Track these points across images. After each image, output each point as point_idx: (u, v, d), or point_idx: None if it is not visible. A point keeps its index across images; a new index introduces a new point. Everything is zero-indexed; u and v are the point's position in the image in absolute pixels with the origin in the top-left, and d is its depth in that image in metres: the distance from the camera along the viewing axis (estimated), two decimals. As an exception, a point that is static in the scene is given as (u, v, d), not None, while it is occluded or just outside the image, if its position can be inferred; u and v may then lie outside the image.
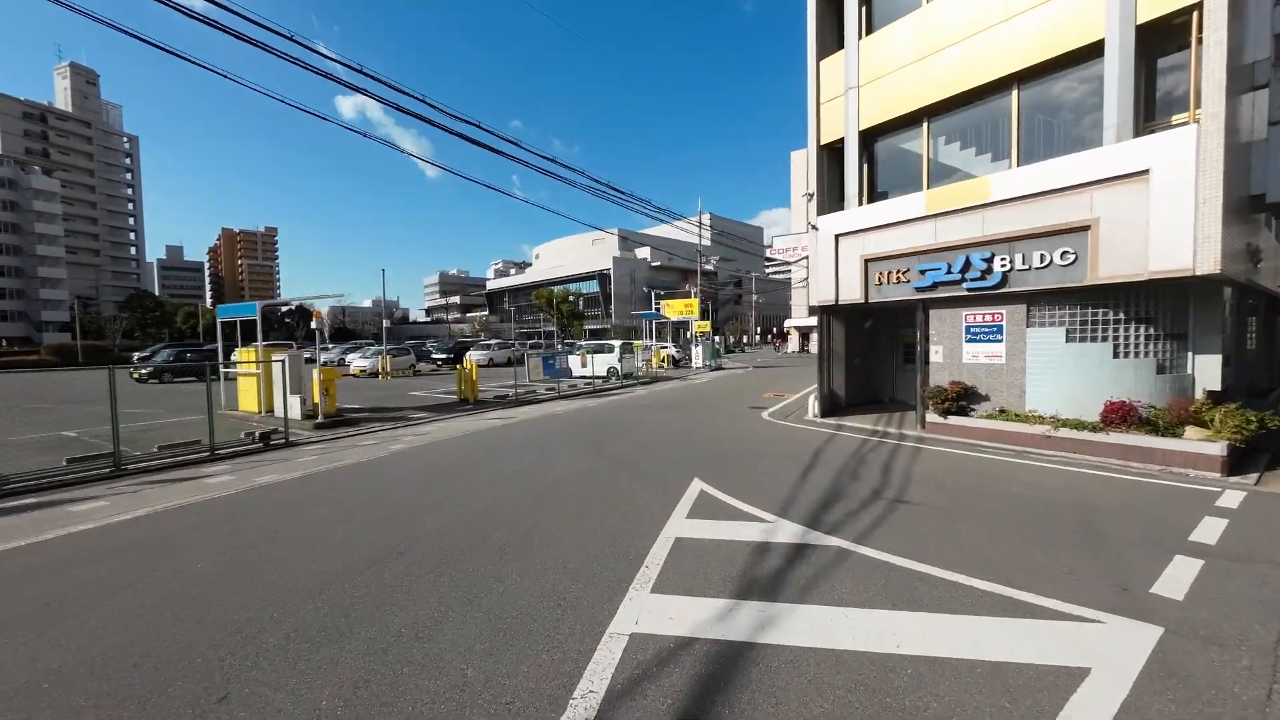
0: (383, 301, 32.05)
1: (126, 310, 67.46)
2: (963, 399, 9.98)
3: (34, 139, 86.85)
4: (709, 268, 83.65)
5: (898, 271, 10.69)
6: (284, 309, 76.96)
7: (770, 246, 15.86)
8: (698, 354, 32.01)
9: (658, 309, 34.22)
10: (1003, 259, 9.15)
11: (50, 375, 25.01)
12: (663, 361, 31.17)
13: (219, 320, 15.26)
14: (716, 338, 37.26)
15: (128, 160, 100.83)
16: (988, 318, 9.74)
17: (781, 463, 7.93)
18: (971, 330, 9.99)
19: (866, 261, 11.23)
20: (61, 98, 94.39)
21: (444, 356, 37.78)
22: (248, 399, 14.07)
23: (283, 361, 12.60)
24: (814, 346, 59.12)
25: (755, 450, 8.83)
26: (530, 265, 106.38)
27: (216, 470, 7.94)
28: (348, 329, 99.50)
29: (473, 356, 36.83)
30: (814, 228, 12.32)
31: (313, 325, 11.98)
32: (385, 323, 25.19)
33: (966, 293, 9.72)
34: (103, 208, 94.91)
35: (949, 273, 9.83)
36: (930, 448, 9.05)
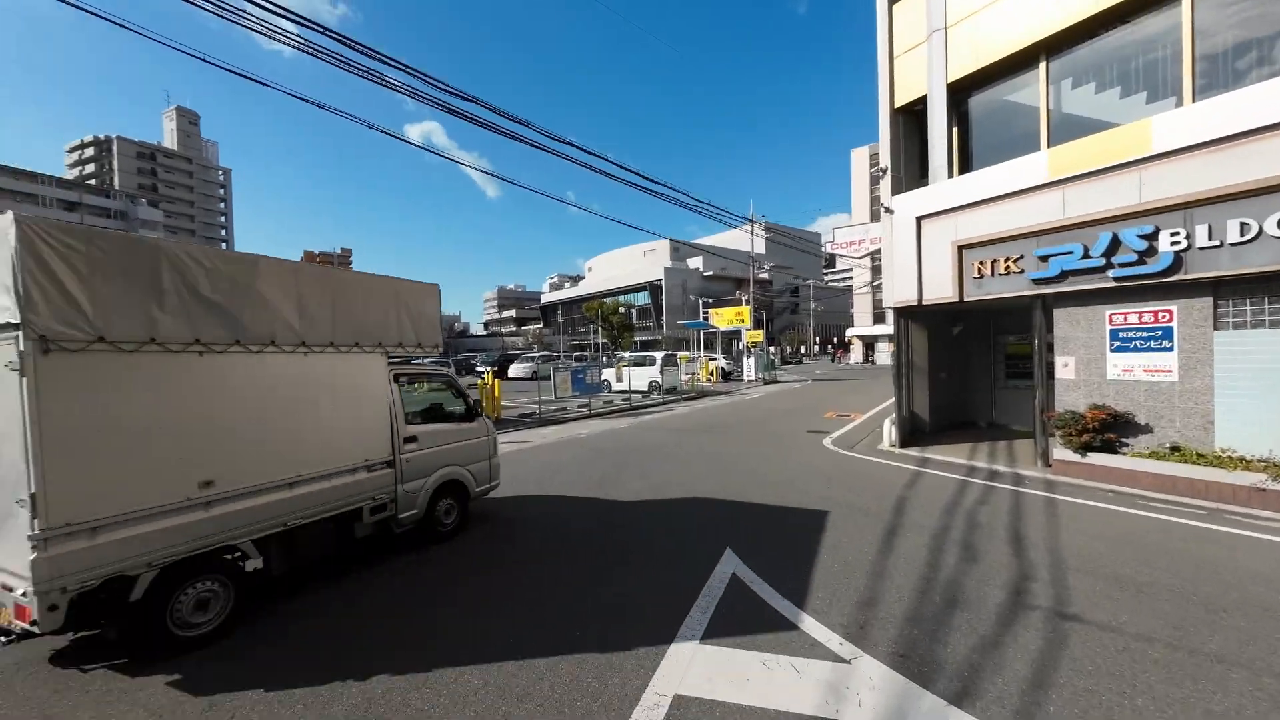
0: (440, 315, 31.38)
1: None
2: (1109, 430, 7.26)
3: (145, 175, 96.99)
4: (763, 275, 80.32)
5: (1007, 260, 8.13)
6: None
7: (830, 242, 13.49)
8: (750, 366, 29.48)
9: (705, 318, 32.01)
10: (1174, 234, 6.48)
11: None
12: (711, 374, 28.88)
13: None
14: (771, 348, 34.53)
15: (221, 191, 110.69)
16: (1149, 317, 7.01)
17: (853, 522, 5.66)
18: (1121, 335, 7.27)
19: (960, 249, 8.72)
20: (169, 138, 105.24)
21: (488, 370, 37.33)
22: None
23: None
24: (880, 357, 54.94)
25: (815, 498, 6.58)
26: (583, 278, 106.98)
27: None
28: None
29: (514, 370, 36.39)
30: (888, 210, 9.92)
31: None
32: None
33: (1114, 283, 7.06)
34: (200, 235, 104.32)
35: (1086, 257, 7.21)
36: (1066, 499, 6.46)
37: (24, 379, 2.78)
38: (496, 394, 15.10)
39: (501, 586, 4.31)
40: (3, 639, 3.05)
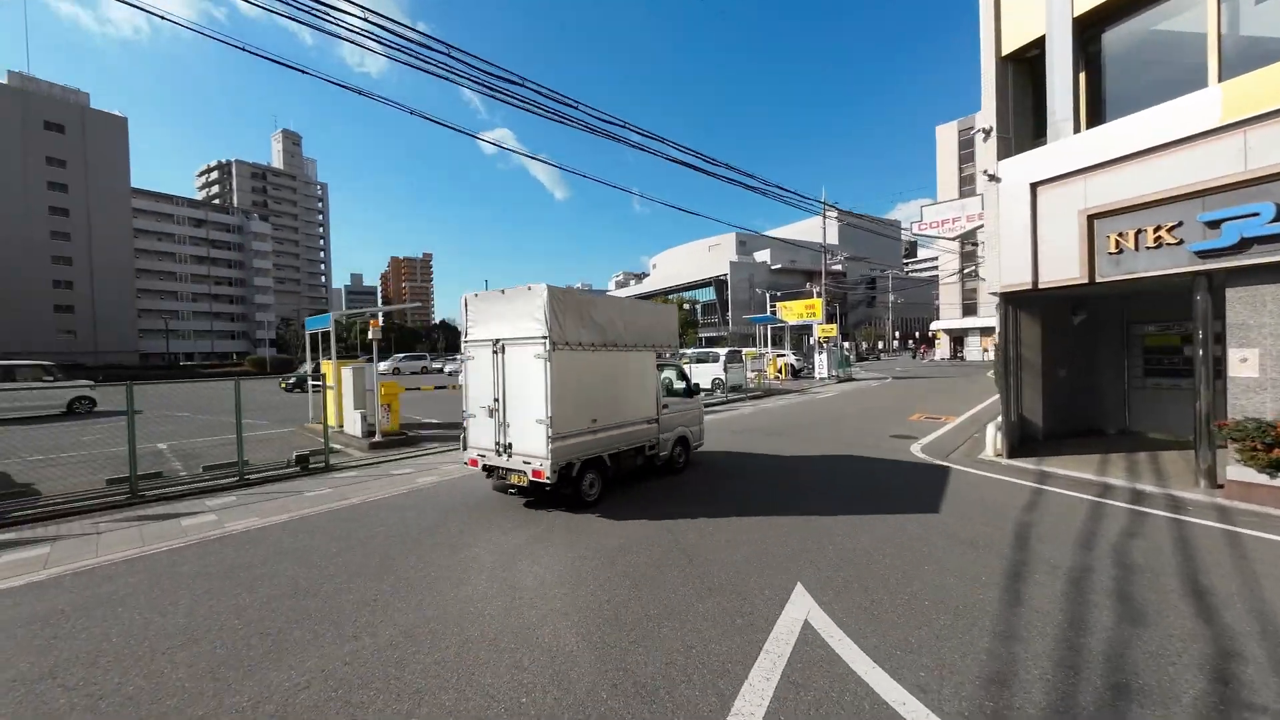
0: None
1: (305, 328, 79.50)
2: (1314, 444, 5.55)
3: (258, 194, 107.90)
4: (836, 266, 76.07)
5: (1157, 229, 6.51)
6: (434, 323, 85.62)
7: (916, 223, 11.90)
8: (821, 362, 27.61)
9: (773, 311, 30.39)
10: None
11: (226, 385, 29.15)
12: (779, 372, 27.34)
13: (306, 332, 15.33)
14: (845, 344, 32.28)
15: (320, 204, 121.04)
16: (1380, 295, 5.26)
17: (959, 556, 4.56)
18: (1334, 320, 5.53)
19: (1091, 218, 7.14)
20: (276, 158, 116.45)
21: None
22: (331, 413, 13.77)
23: (355, 373, 11.90)
24: (971, 353, 50.31)
25: (906, 521, 5.49)
26: (647, 275, 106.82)
27: (210, 506, 6.76)
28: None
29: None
30: (992, 179, 8.42)
31: (370, 335, 10.94)
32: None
33: (1324, 252, 5.36)
34: (303, 245, 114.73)
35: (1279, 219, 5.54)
36: (1255, 534, 4.95)
37: (546, 363, 5.70)
38: (554, 392, 14.82)
39: (711, 491, 7.07)
40: (512, 490, 6.40)
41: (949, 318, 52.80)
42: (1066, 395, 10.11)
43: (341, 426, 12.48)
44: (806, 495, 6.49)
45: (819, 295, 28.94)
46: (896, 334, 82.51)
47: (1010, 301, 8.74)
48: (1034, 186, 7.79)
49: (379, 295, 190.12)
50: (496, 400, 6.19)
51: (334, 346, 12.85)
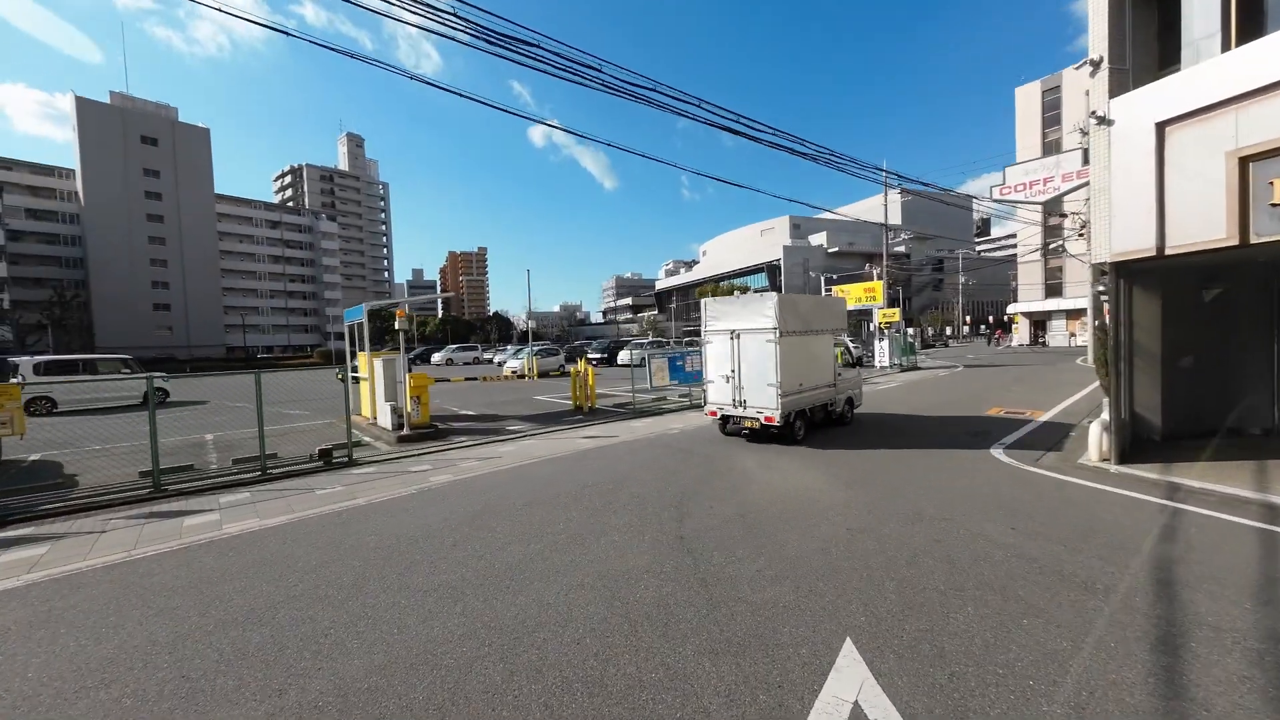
0: (528, 304, 32.39)
1: (369, 322, 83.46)
2: None
3: (326, 195, 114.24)
4: (899, 248, 71.29)
5: (1350, 167, 4.89)
6: (486, 315, 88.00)
7: (998, 187, 10.18)
8: (882, 350, 25.54)
9: (828, 294, 28.41)
10: None
11: (291, 375, 30.56)
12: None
13: (345, 323, 15.43)
14: (909, 330, 29.84)
15: (382, 203, 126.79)
16: None
17: (1069, 608, 3.41)
18: None
19: (1245, 161, 5.54)
20: (342, 160, 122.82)
21: (599, 356, 37.40)
22: (365, 406, 13.78)
23: (385, 365, 11.72)
24: (1055, 338, 45.81)
25: (993, 550, 4.34)
26: (698, 263, 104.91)
27: (222, 504, 6.52)
28: (536, 332, 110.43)
29: (623, 357, 35.87)
30: (1102, 122, 6.83)
31: (396, 325, 10.65)
32: (529, 324, 24.85)
33: None
34: (367, 242, 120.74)
35: None
36: None
37: (775, 345, 8.34)
38: (590, 382, 14.18)
39: (876, 434, 9.70)
40: (745, 433, 9.13)
41: (1030, 299, 48.07)
42: (1192, 388, 8.32)
43: (375, 419, 12.38)
44: (859, 504, 5.42)
45: (879, 277, 26.74)
46: (967, 319, 76.73)
47: (1123, 274, 7.14)
48: (1160, 127, 6.20)
49: (438, 288, 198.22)
50: (732, 371, 9.07)
51: (367, 337, 12.76)
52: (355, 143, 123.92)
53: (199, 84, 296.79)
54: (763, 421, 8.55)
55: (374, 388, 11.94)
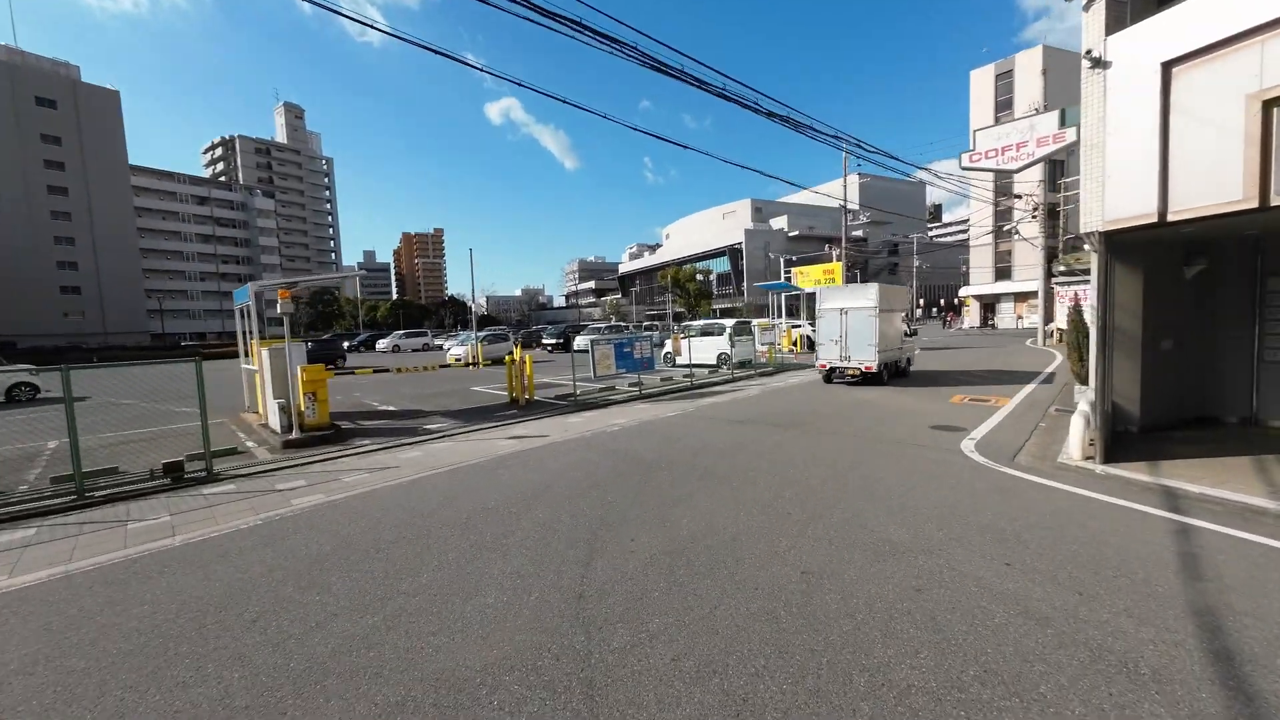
0: (473, 286, 30.36)
1: (308, 306, 78.65)
2: None
3: (263, 170, 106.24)
4: (857, 233, 71.89)
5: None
6: (444, 298, 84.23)
7: (969, 154, 9.29)
8: (842, 334, 25.02)
9: (788, 278, 27.70)
10: None
11: (208, 365, 27.66)
12: (794, 344, 24.86)
13: (236, 306, 13.41)
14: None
15: (326, 180, 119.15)
16: None
17: (1115, 710, 2.34)
18: None
19: (1271, 106, 4.60)
20: (279, 133, 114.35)
21: (554, 341, 35.77)
22: (261, 403, 11.92)
23: (273, 355, 9.93)
24: (1004, 320, 46.98)
25: (987, 608, 3.28)
26: (661, 246, 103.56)
27: (-11, 546, 4.85)
28: (491, 316, 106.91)
29: (579, 342, 34.31)
30: (1096, 64, 5.82)
31: (279, 309, 8.90)
32: (473, 306, 22.75)
33: None
34: (310, 221, 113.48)
35: None
36: None
37: (875, 318, 12.76)
38: (528, 372, 12.73)
39: (927, 382, 14.33)
40: (851, 379, 13.68)
41: (981, 283, 49.12)
42: (1172, 374, 7.64)
43: (267, 419, 10.60)
44: (814, 530, 4.32)
45: (839, 259, 26.12)
46: (921, 301, 78.65)
47: (1114, 246, 6.24)
48: (1167, 67, 5.22)
49: (392, 272, 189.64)
50: (841, 337, 13.21)
51: (255, 322, 10.90)
52: (294, 114, 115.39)
53: (111, 44, 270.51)
54: (863, 370, 13.00)
55: (262, 382, 10.15)
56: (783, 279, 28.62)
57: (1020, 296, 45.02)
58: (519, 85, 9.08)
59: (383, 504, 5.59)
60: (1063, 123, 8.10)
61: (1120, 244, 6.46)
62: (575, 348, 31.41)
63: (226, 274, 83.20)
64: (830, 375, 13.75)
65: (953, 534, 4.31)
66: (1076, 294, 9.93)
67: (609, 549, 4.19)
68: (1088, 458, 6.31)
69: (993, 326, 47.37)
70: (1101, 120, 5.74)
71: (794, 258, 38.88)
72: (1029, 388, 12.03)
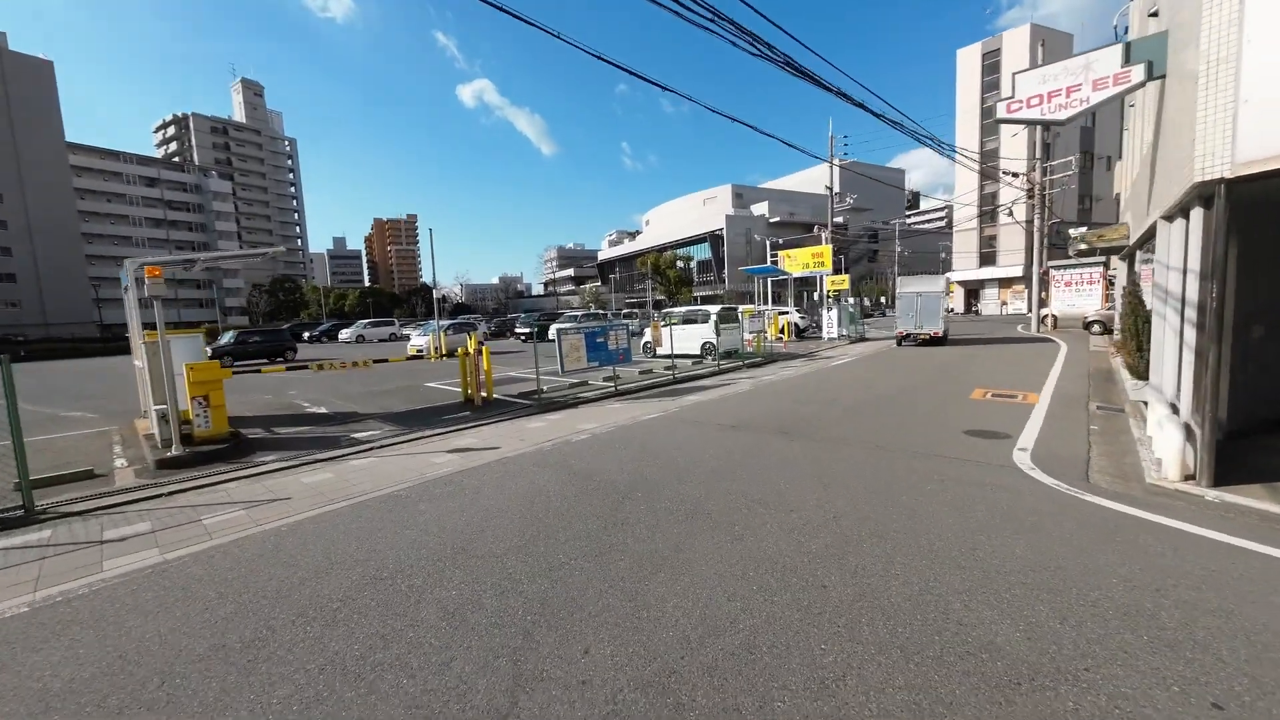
0: (433, 269, 28.10)
1: (268, 294, 74.68)
2: None
3: (220, 150, 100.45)
4: (838, 219, 70.90)
5: None
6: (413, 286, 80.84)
7: (1006, 101, 7.80)
8: (831, 320, 23.69)
9: (774, 261, 26.22)
10: None
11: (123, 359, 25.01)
12: (781, 332, 23.46)
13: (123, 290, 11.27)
14: (851, 300, 28.28)
15: (290, 162, 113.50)
16: None
17: None
18: None
19: None
20: (237, 111, 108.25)
21: (528, 330, 33.81)
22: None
23: (150, 351, 7.95)
24: (988, 307, 46.59)
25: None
26: (641, 233, 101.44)
27: None
28: (467, 305, 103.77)
29: (554, 332, 32.54)
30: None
31: (147, 291, 6.95)
32: (438, 294, 20.51)
33: None
34: (273, 205, 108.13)
35: None
36: None
37: (942, 299, 20.50)
38: (486, 367, 10.96)
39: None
40: (921, 341, 18.90)
41: (964, 269, 48.49)
42: (1259, 367, 6.28)
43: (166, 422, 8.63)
44: (866, 606, 2.78)
45: (827, 242, 24.70)
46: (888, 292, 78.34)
47: (1239, 202, 4.73)
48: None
49: (364, 259, 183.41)
50: (915, 312, 18.80)
51: (134, 309, 8.91)
52: (253, 91, 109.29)
53: (44, 11, 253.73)
54: (930, 335, 18.48)
55: (142, 385, 8.20)
56: (769, 263, 27.12)
57: (1005, 282, 44.52)
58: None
59: (232, 570, 3.84)
60: (1127, 59, 6.55)
61: (1239, 200, 4.98)
62: (550, 338, 29.61)
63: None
64: (902, 340, 19.29)
65: (1085, 629, 2.77)
66: (1137, 273, 8.57)
67: (547, 673, 2.55)
68: (1187, 477, 4.88)
69: (977, 312, 46.88)
70: (1235, 20, 4.20)
71: (779, 241, 37.40)
72: (1051, 380, 10.73)
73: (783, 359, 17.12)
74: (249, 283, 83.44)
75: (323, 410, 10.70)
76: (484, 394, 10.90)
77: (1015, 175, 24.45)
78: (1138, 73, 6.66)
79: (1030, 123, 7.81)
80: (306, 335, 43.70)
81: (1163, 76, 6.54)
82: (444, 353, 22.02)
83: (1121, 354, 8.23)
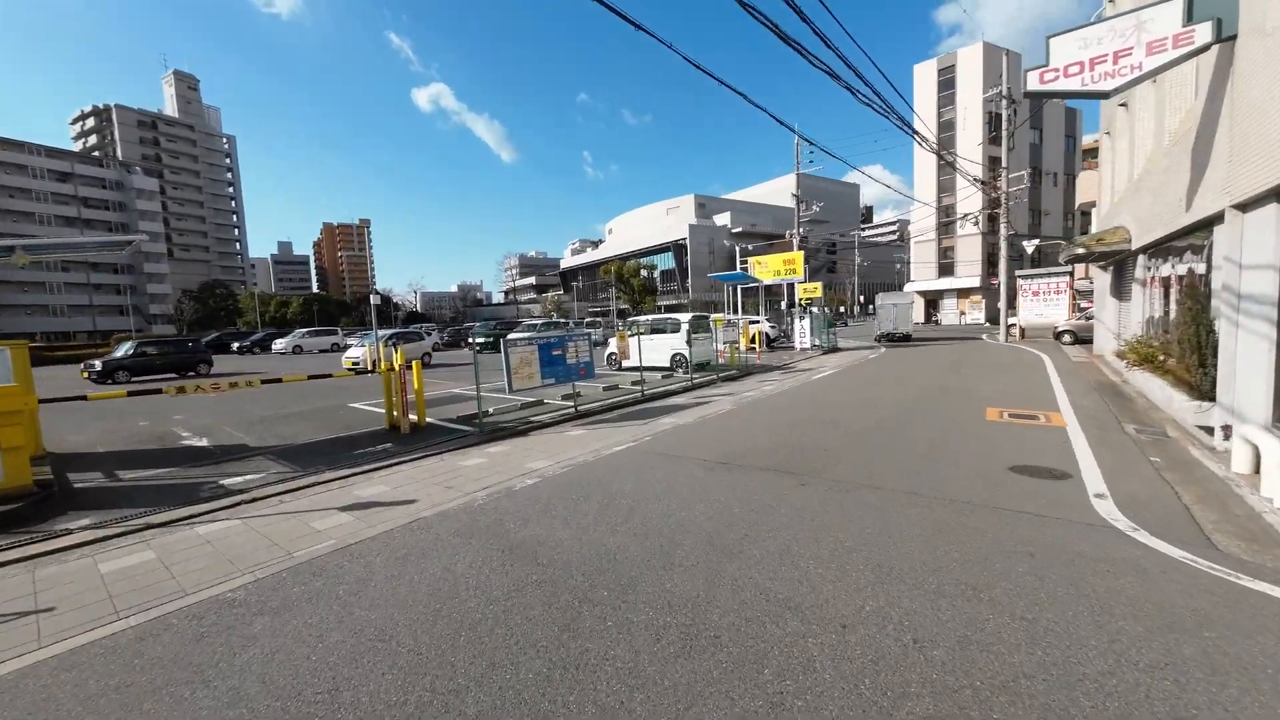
0: (370, 270, 25.49)
1: (197, 300, 68.95)
2: None
3: (148, 145, 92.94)
4: (799, 230, 71.66)
5: None
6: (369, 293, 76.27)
7: (1039, 70, 6.75)
8: (804, 330, 22.69)
9: (743, 268, 25.13)
10: None
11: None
12: (752, 342, 22.27)
13: None
14: (825, 309, 27.53)
15: (228, 160, 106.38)
16: None
17: None
18: None
19: None
20: (169, 105, 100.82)
21: (483, 341, 31.53)
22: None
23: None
24: (947, 316, 47.36)
25: None
26: (604, 242, 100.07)
27: None
28: (422, 313, 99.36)
29: (510, 341, 30.43)
30: None
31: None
32: (374, 302, 18.00)
33: None
34: (210, 206, 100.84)
35: None
36: None
37: (912, 308, 41.04)
38: (417, 386, 9.04)
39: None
40: (897, 339, 25.49)
41: (923, 279, 49.24)
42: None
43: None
44: None
45: (799, 248, 23.79)
46: (861, 299, 79.89)
47: None
48: None
49: (312, 265, 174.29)
50: (892, 318, 25.41)
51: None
52: (187, 84, 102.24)
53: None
54: (903, 334, 24.70)
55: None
56: (738, 270, 26.01)
57: (963, 292, 45.33)
58: None
59: None
60: (1189, 17, 5.42)
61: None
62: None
63: (98, 264, 71.47)
64: (881, 338, 25.22)
65: None
66: (1190, 272, 7.57)
67: None
68: (1352, 543, 3.59)
69: (937, 322, 47.57)
70: None
71: (750, 248, 36.56)
72: (1061, 396, 9.71)
73: (758, 372, 15.79)
74: (180, 289, 76.81)
75: (203, 443, 8.48)
76: (413, 419, 8.96)
77: (984, 183, 24.29)
78: (1202, 33, 5.56)
79: (1068, 95, 6.66)
80: (236, 346, 39.76)
81: (1232, 37, 5.46)
82: (387, 367, 19.69)
83: (1177, 370, 7.18)
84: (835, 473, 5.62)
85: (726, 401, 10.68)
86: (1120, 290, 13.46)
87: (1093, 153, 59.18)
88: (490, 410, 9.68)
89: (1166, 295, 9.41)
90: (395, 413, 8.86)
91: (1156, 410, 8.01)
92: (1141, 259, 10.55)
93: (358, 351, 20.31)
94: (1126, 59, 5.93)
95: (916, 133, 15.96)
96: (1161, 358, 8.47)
